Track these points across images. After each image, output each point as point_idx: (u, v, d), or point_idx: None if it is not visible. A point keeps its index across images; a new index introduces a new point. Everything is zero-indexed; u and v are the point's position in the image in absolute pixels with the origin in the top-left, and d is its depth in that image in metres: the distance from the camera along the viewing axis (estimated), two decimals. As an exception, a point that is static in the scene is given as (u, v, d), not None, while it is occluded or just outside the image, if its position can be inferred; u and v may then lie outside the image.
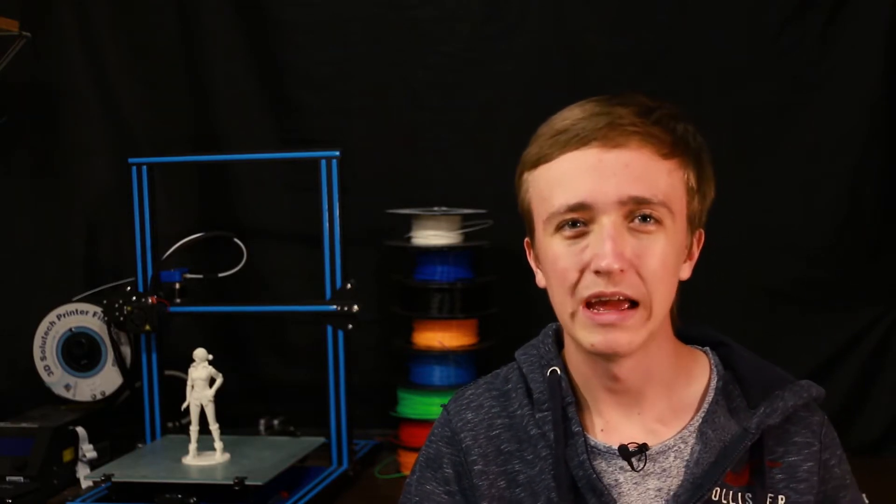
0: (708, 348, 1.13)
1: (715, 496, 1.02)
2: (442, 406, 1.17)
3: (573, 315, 1.01)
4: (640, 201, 0.98)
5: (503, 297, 2.79)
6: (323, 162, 2.57)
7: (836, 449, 1.08)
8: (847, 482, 1.07)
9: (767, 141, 2.78)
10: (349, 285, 2.58)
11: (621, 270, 0.97)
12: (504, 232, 2.72)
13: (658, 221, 0.99)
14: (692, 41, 2.80)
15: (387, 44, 2.94)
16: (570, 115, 1.03)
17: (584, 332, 1.00)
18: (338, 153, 2.57)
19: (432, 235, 2.68)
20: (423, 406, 2.64)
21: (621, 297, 0.97)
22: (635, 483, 1.04)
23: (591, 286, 0.98)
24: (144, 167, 2.71)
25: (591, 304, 0.99)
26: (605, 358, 1.02)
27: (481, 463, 1.09)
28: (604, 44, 2.84)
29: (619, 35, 2.84)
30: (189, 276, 2.79)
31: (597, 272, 0.97)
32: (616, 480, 1.05)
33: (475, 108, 2.91)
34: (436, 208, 2.73)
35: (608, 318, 0.98)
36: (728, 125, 2.70)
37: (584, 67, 2.82)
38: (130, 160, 2.73)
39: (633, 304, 0.99)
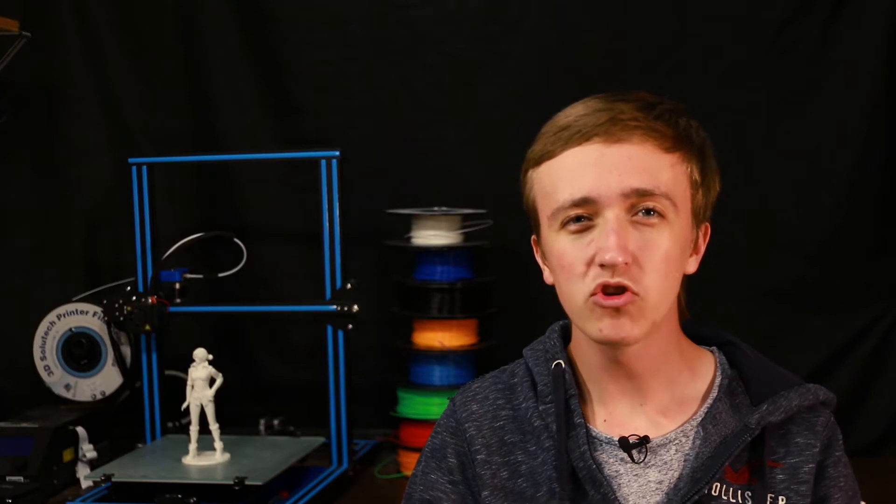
0: (715, 348, 1.14)
1: (714, 491, 1.02)
2: (449, 398, 1.19)
3: (581, 307, 1.02)
4: (642, 193, 0.99)
5: (503, 297, 2.79)
6: (323, 162, 2.58)
7: (834, 450, 1.07)
8: (841, 484, 1.06)
9: (767, 140, 2.78)
10: (349, 285, 2.58)
11: (625, 263, 0.98)
12: (504, 232, 2.73)
13: (661, 215, 1.00)
14: (692, 41, 2.80)
15: (387, 44, 2.94)
16: (573, 112, 1.04)
17: (591, 319, 1.01)
18: (338, 153, 2.57)
19: (432, 235, 2.68)
20: (423, 406, 2.64)
21: (624, 289, 0.99)
22: (636, 475, 1.05)
23: (597, 278, 0.99)
24: (144, 167, 2.71)
25: (596, 294, 1.00)
26: (610, 346, 1.03)
27: (484, 453, 1.10)
28: (604, 44, 2.84)
29: (619, 35, 2.84)
30: (189, 276, 2.79)
31: (602, 265, 0.99)
32: (616, 471, 1.05)
33: (475, 107, 2.91)
34: (436, 208, 2.73)
35: (614, 301, 0.99)
36: (728, 125, 2.70)
37: (584, 67, 2.82)
38: (130, 160, 2.73)
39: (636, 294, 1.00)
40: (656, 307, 1.01)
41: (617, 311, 0.99)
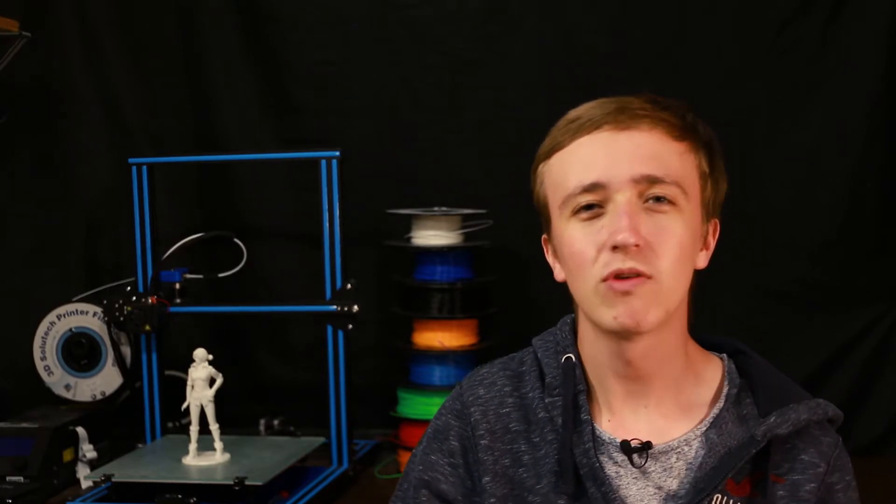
0: (724, 355, 1.12)
1: (715, 502, 1.01)
2: (457, 382, 1.18)
3: (592, 293, 1.01)
4: (652, 180, 1.00)
5: (503, 297, 2.79)
6: (323, 162, 2.57)
7: (844, 474, 1.06)
8: None
9: (767, 141, 2.78)
10: (349, 285, 2.58)
11: (637, 245, 0.97)
12: (504, 232, 2.73)
13: (672, 202, 1.01)
14: (692, 41, 2.80)
15: (387, 44, 2.94)
16: (582, 108, 1.06)
17: (604, 306, 1.00)
18: (338, 153, 2.57)
19: (432, 235, 2.68)
20: (423, 406, 2.64)
21: (637, 273, 0.98)
22: (635, 478, 1.05)
23: (609, 263, 0.99)
24: (144, 167, 2.71)
25: (608, 279, 1.00)
26: (622, 336, 1.02)
27: (488, 438, 1.10)
28: (604, 44, 2.84)
29: (619, 35, 2.84)
30: (189, 276, 2.79)
31: (614, 248, 0.98)
32: (617, 473, 1.05)
33: (475, 108, 2.91)
34: (436, 208, 2.73)
35: (626, 285, 0.98)
36: (728, 125, 2.69)
37: (584, 67, 2.82)
38: (130, 160, 2.73)
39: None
40: (670, 293, 1.00)
41: (631, 294, 0.98)
